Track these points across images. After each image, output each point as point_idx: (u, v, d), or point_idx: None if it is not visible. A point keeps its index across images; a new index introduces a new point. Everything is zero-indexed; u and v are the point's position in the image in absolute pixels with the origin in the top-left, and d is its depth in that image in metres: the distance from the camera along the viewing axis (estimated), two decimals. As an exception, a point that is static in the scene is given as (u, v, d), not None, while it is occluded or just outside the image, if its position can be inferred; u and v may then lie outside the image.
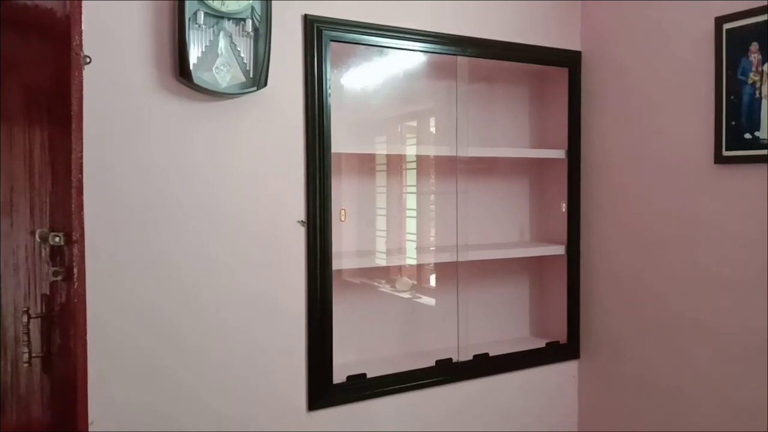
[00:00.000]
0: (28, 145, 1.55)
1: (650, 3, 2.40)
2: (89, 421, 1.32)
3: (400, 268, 2.64)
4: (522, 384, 2.63)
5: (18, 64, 1.62)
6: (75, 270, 1.24)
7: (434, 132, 2.68)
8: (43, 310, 1.42)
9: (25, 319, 1.37)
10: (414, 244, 2.67)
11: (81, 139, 1.23)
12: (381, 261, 2.51)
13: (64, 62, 1.26)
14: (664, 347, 2.39)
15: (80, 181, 1.23)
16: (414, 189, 2.67)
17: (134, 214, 1.88)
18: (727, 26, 2.11)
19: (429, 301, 2.69)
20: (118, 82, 1.85)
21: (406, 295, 2.65)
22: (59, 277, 1.30)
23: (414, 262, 2.66)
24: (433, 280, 2.72)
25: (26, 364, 1.39)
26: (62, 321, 1.33)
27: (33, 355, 1.39)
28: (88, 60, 1.27)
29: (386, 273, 2.61)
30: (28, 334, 1.37)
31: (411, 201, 2.66)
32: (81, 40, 1.21)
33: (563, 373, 2.73)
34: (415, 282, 2.67)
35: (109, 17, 1.83)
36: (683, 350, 2.32)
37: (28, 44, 1.56)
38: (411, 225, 2.67)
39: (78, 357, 1.24)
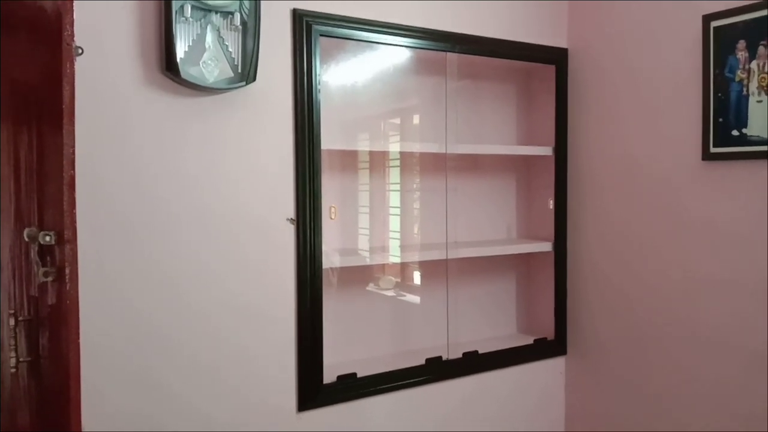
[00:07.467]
0: (13, 142, 1.48)
1: (638, 1, 2.41)
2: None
3: (387, 267, 2.61)
4: (511, 381, 2.63)
5: (3, 59, 1.55)
6: (67, 270, 1.18)
7: (423, 129, 2.66)
8: (31, 313, 1.36)
9: (12, 322, 1.31)
10: (409, 243, 2.64)
11: (73, 133, 1.18)
12: (374, 260, 2.48)
13: (54, 55, 1.20)
14: (649, 344, 2.40)
15: (72, 178, 1.18)
16: (398, 186, 2.64)
17: (120, 214, 1.82)
18: (714, 24, 2.13)
19: (417, 299, 2.67)
20: (103, 77, 1.79)
21: (395, 294, 2.63)
22: (50, 278, 1.24)
23: (398, 260, 2.63)
24: (421, 278, 2.70)
25: (13, 370, 1.33)
26: (52, 324, 1.27)
27: (20, 359, 1.33)
28: (80, 51, 1.21)
29: (374, 272, 2.58)
30: (15, 338, 1.31)
31: (397, 199, 2.63)
32: (72, 30, 1.16)
33: (551, 369, 2.74)
34: (399, 280, 2.64)
35: (93, 10, 1.77)
36: (669, 348, 2.34)
37: (15, 38, 1.49)
38: (405, 223, 2.65)
39: (70, 361, 1.19)
